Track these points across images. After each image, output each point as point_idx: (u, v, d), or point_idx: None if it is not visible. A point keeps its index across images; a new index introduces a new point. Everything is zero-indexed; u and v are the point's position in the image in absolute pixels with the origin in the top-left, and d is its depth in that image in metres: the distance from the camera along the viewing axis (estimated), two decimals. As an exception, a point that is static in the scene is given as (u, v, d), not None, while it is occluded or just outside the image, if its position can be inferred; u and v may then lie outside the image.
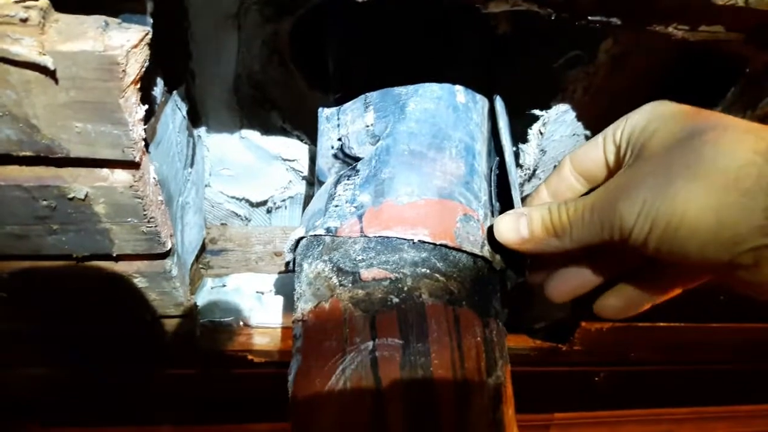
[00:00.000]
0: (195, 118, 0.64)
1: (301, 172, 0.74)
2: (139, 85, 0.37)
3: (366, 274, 0.43)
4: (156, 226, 0.47)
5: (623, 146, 0.39)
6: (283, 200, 0.77)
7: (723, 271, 0.34)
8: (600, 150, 0.41)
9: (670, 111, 0.37)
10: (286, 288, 0.75)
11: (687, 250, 0.33)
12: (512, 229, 0.43)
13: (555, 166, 0.49)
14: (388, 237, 0.44)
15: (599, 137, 0.41)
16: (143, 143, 0.41)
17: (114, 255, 0.50)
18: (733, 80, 0.51)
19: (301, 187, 0.76)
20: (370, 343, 0.41)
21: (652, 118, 0.37)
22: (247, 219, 0.79)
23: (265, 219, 0.79)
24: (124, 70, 0.34)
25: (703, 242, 0.32)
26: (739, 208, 0.31)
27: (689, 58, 0.56)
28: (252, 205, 0.76)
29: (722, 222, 0.32)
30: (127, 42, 0.34)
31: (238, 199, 0.75)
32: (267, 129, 0.68)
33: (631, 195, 0.35)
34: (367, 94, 0.52)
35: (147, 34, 0.35)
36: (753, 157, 0.31)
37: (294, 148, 0.71)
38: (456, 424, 0.40)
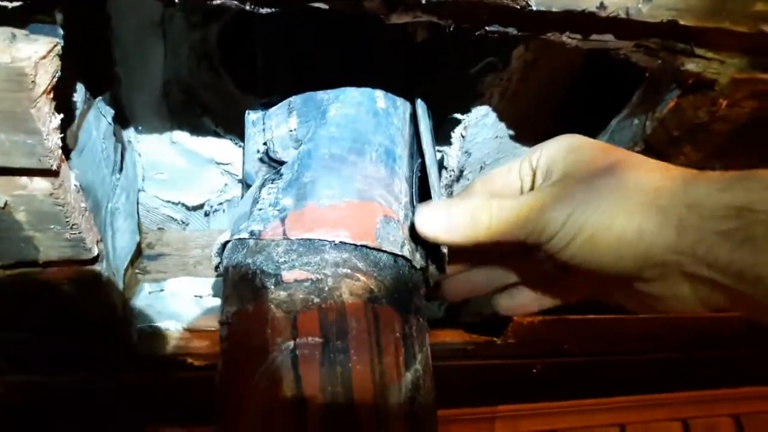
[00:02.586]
0: (124, 123, 0.64)
1: (237, 176, 0.74)
2: (52, 95, 0.38)
3: (288, 275, 0.45)
4: (80, 233, 0.48)
5: (540, 171, 0.42)
6: (221, 204, 0.77)
7: (624, 282, 0.38)
8: (515, 173, 0.44)
9: (584, 144, 0.41)
10: (224, 291, 0.75)
11: (603, 259, 0.37)
12: (433, 219, 0.45)
13: (466, 186, 0.52)
14: (310, 239, 0.46)
15: (514, 162, 0.44)
16: (61, 151, 0.41)
17: (40, 262, 0.50)
18: (637, 84, 0.54)
19: (237, 191, 0.76)
20: (291, 343, 0.42)
21: (569, 150, 0.41)
22: (184, 223, 0.79)
23: (204, 223, 0.80)
24: (33, 81, 0.35)
25: (621, 252, 0.36)
26: (656, 225, 0.35)
27: (600, 62, 0.59)
28: (188, 209, 0.76)
29: (642, 235, 0.35)
30: (35, 53, 0.34)
31: (173, 203, 0.75)
32: (199, 133, 0.69)
33: (560, 206, 0.38)
34: (290, 99, 0.53)
35: (56, 45, 0.36)
36: (666, 181, 0.36)
37: (228, 152, 0.71)
38: (374, 416, 0.42)
